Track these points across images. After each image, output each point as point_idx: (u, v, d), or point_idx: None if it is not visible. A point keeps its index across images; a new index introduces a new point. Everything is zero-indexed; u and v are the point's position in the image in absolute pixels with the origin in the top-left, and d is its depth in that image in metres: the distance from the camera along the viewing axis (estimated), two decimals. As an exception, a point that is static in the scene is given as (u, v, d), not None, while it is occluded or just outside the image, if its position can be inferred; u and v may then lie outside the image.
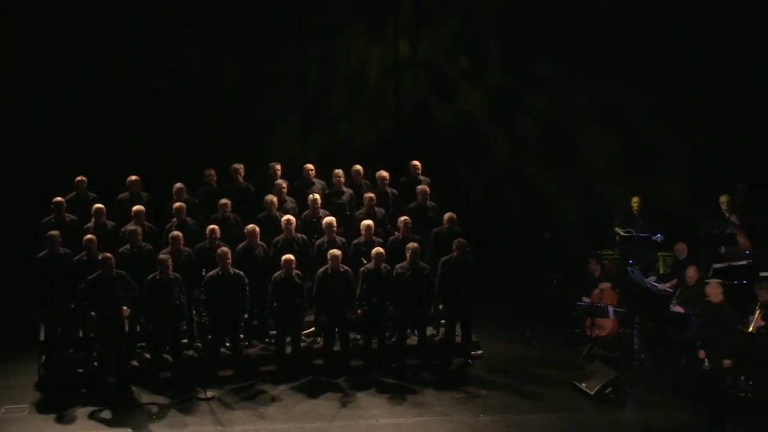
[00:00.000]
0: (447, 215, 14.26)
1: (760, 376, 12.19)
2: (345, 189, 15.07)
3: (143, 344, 13.57)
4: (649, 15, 16.54)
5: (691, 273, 13.28)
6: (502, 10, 17.62)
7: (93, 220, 13.85)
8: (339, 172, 15.07)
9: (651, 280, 14.20)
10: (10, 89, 16.58)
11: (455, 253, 13.55)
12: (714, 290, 12.26)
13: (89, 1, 16.68)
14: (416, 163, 15.34)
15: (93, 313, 12.69)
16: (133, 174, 14.64)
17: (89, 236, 13.23)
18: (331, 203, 14.88)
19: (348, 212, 14.79)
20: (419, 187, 14.84)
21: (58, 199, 14.01)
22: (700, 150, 16.67)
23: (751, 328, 12.27)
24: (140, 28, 16.77)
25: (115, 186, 14.80)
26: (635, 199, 15.46)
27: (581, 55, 17.08)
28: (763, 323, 12.21)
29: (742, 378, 12.20)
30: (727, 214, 14.74)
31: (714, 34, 16.27)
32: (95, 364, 13.15)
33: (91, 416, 12.08)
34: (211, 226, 13.65)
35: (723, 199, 14.86)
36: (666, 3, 16.47)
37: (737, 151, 16.21)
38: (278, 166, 15.11)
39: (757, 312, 12.29)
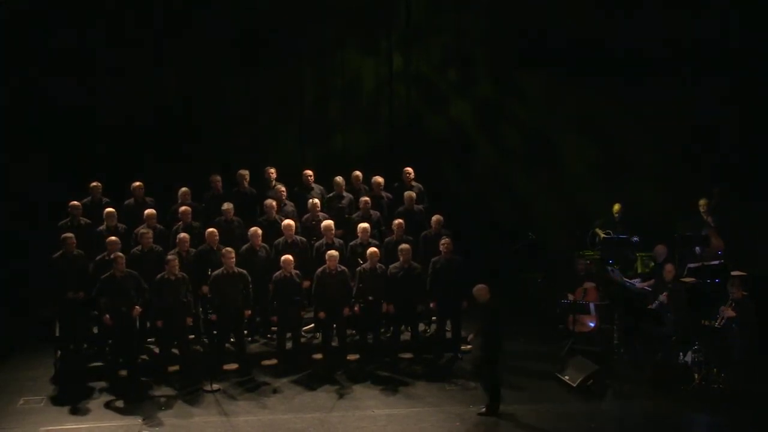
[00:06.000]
0: (434, 218, 14.24)
1: (729, 367, 12.24)
2: (345, 194, 15.06)
3: (152, 340, 13.57)
4: (625, 32, 16.58)
5: (669, 268, 13.30)
6: (490, 25, 17.60)
7: (105, 223, 13.83)
8: (339, 178, 15.10)
9: (635, 281, 14.17)
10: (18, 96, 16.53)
11: (443, 253, 13.54)
12: (479, 292, 11.93)
13: (103, 19, 16.60)
14: (409, 169, 15.40)
15: (107, 312, 12.67)
16: (137, 180, 14.68)
17: (112, 238, 13.19)
18: (331, 207, 14.89)
19: (347, 215, 14.78)
20: (406, 193, 14.84)
21: (75, 203, 14.00)
22: (673, 158, 16.70)
23: (717, 323, 12.31)
24: (153, 46, 16.73)
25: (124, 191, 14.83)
26: (617, 207, 15.43)
27: (563, 68, 17.08)
28: (734, 314, 12.25)
29: (714, 370, 12.23)
30: (705, 216, 14.72)
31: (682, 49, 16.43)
32: (108, 358, 13.14)
33: (104, 407, 12.09)
34: (210, 230, 13.63)
35: (702, 202, 14.83)
36: (639, 21, 16.55)
37: (708, 158, 16.26)
38: (272, 170, 15.11)
39: (729, 306, 12.33)
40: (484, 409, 11.80)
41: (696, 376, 12.28)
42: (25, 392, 12.56)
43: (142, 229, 13.59)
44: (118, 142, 16.70)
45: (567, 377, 12.70)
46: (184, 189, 14.55)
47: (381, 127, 18.01)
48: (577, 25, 16.84)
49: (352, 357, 13.56)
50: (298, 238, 13.95)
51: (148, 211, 13.93)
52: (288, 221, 13.92)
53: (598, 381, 12.56)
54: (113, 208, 14.03)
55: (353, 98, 17.86)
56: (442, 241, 13.60)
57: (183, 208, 14.10)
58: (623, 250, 14.98)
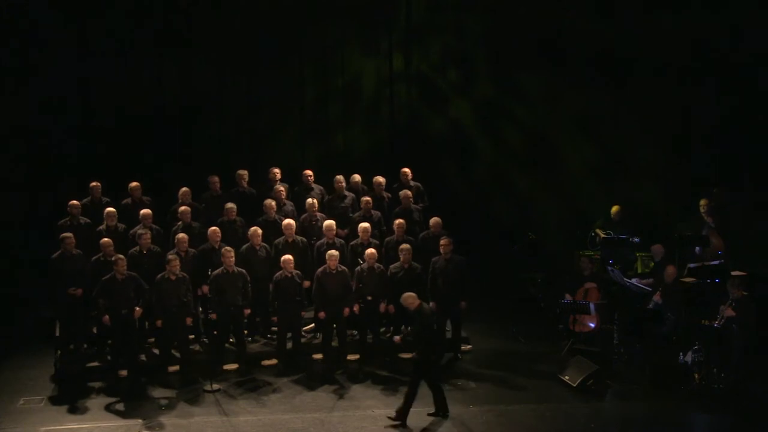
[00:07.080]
0: (433, 219, 14.19)
1: (729, 367, 12.23)
2: (347, 193, 15.04)
3: (152, 340, 13.55)
4: (625, 32, 16.59)
5: (670, 270, 13.28)
6: (490, 26, 17.59)
7: (105, 222, 13.82)
8: (340, 177, 15.05)
9: (634, 280, 14.14)
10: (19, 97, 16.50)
11: (443, 253, 13.52)
12: (407, 300, 11.71)
13: (103, 19, 16.64)
14: (406, 169, 15.36)
15: (106, 313, 12.67)
16: (135, 180, 14.67)
17: (106, 239, 13.19)
18: (333, 207, 14.85)
19: (351, 215, 14.76)
20: (401, 192, 14.82)
21: (74, 202, 13.98)
22: (673, 158, 16.69)
23: (717, 323, 12.29)
24: (153, 46, 16.77)
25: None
26: (615, 209, 15.38)
27: (563, 68, 17.07)
28: (734, 314, 12.23)
29: (714, 370, 12.21)
30: (705, 217, 14.72)
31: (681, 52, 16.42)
32: (108, 358, 13.14)
33: (104, 407, 12.06)
34: (212, 229, 13.62)
35: (703, 202, 14.73)
36: (635, 26, 16.56)
37: (708, 158, 16.26)
38: (277, 170, 15.09)
39: (728, 306, 12.30)
40: (395, 414, 11.54)
41: (696, 376, 12.26)
42: (25, 392, 12.53)
43: (140, 230, 13.57)
44: (118, 142, 16.70)
45: (567, 377, 12.67)
46: (184, 189, 14.53)
47: (381, 127, 18.01)
48: (576, 25, 16.84)
49: (352, 357, 13.53)
50: (299, 237, 13.92)
51: (144, 211, 13.92)
52: (288, 221, 13.89)
53: (598, 381, 12.53)
54: (113, 207, 14.01)
55: (353, 98, 17.85)
56: (443, 241, 13.54)
57: (183, 208, 14.08)
58: (623, 250, 14.95)
